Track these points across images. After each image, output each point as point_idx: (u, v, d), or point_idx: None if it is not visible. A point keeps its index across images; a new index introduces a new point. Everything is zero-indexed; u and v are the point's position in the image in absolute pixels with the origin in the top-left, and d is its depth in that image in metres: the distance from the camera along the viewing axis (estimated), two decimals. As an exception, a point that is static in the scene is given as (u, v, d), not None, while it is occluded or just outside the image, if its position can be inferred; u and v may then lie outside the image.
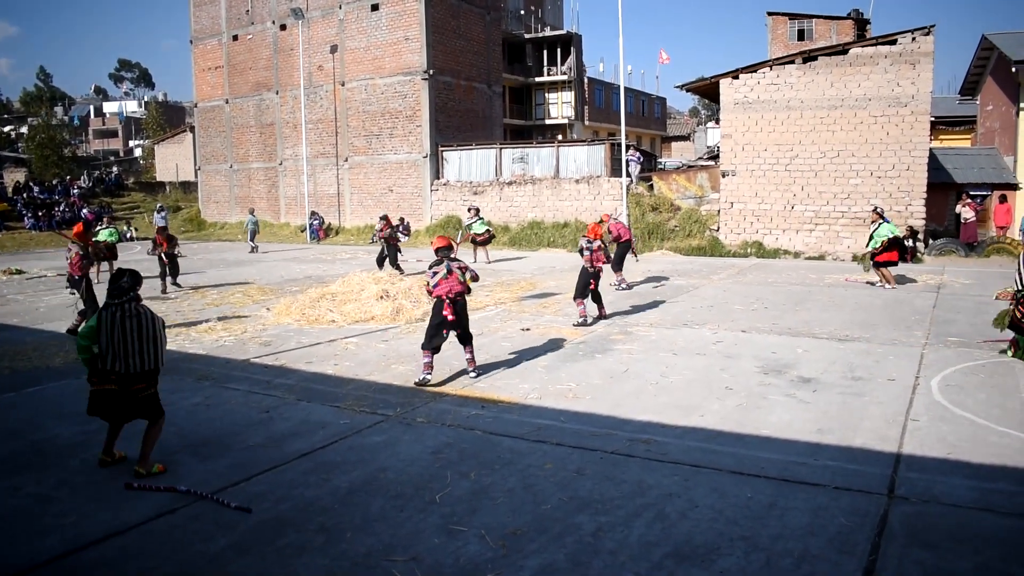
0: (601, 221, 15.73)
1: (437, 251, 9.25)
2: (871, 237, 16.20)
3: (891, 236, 15.88)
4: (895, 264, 16.13)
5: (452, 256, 9.21)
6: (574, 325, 12.29)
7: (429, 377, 8.98)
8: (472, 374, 9.25)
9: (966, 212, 23.47)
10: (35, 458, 6.73)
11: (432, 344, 9.04)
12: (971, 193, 24.79)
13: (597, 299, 12.87)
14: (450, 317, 8.89)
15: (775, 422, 7.30)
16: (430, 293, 9.11)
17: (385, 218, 20.69)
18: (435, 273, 9.02)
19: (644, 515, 5.31)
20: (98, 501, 5.74)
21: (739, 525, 5.12)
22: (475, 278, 9.27)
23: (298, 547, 4.95)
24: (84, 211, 40.96)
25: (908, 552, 4.72)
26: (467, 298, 9.17)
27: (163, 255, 17.56)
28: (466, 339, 9.27)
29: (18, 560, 4.86)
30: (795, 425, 7.19)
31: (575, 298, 12.60)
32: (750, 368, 9.40)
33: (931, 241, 22.89)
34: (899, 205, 22.04)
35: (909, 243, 21.60)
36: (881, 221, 16.18)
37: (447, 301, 8.90)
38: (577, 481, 5.94)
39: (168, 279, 17.65)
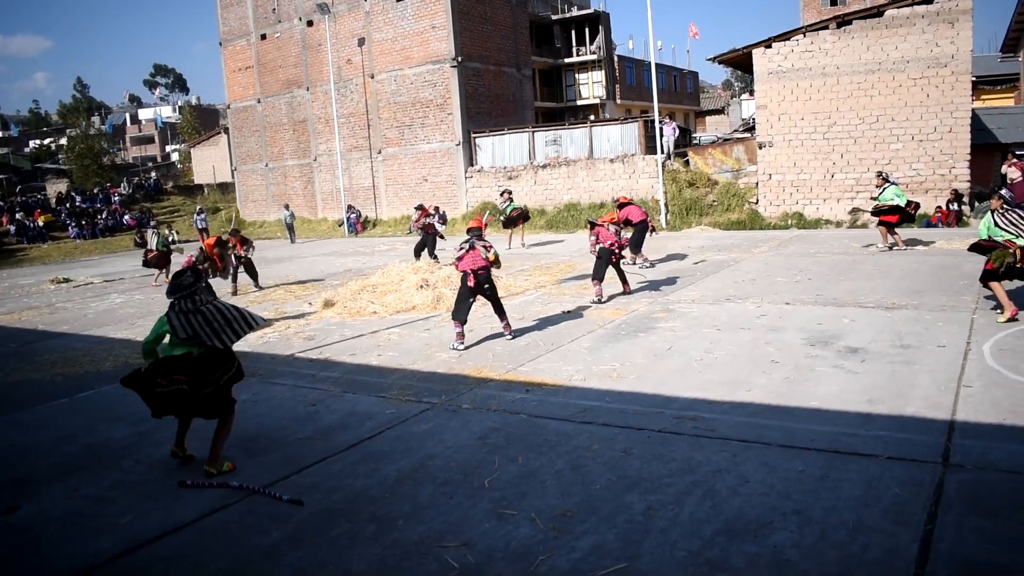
0: (621, 204, 15.71)
1: (468, 231, 10.47)
2: (877, 200, 16.29)
3: (892, 203, 15.85)
4: (893, 226, 16.11)
5: (479, 236, 10.29)
6: (592, 303, 12.40)
7: (460, 346, 9.96)
8: (508, 336, 10.34)
9: (1012, 172, 22.80)
10: (90, 460, 6.88)
11: (460, 316, 10.00)
12: (1017, 153, 24.14)
13: (621, 275, 12.93)
14: (471, 283, 9.93)
15: (823, 394, 7.19)
16: (456, 267, 10.24)
17: (420, 207, 20.59)
18: (460, 249, 10.20)
19: (694, 492, 5.27)
20: (153, 500, 5.84)
21: (791, 499, 5.06)
22: (497, 257, 10.26)
23: (350, 537, 5.00)
24: (126, 217, 41.70)
25: (966, 520, 4.61)
26: (505, 281, 9.50)
27: (235, 256, 17.63)
28: (499, 312, 10.40)
29: (77, 561, 4.96)
30: (844, 396, 7.07)
31: (593, 279, 12.66)
32: (796, 340, 9.26)
33: (977, 204, 22.35)
34: (942, 168, 21.57)
35: (954, 207, 21.18)
36: (886, 185, 16.05)
37: (470, 273, 9.94)
38: (625, 461, 5.91)
39: (250, 281, 17.80)
